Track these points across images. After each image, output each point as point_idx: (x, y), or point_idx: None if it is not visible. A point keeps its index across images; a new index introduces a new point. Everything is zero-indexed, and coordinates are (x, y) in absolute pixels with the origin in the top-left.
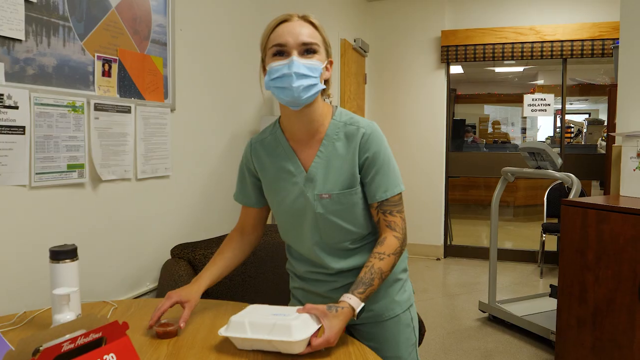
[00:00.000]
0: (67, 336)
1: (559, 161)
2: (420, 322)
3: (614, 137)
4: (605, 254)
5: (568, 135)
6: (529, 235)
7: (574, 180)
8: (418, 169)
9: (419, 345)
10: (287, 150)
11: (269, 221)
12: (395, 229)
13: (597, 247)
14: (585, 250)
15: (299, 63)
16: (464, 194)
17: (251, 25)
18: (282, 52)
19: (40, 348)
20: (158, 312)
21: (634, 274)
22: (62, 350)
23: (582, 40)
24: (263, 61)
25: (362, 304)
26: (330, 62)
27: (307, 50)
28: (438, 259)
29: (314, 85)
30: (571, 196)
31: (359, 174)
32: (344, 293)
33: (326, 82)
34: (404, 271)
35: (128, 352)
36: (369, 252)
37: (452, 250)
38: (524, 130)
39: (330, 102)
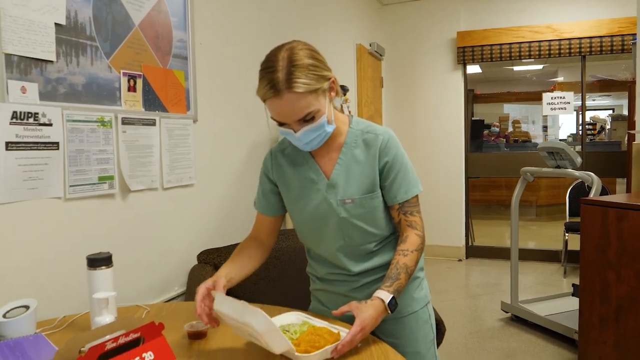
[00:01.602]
0: (109, 336)
1: (578, 160)
2: (440, 321)
3: (634, 134)
4: (626, 252)
5: (593, 132)
6: (552, 235)
7: (593, 179)
8: (438, 171)
9: (438, 345)
10: (308, 158)
11: (289, 225)
12: (417, 228)
13: (618, 245)
14: (606, 248)
15: (305, 132)
16: (485, 195)
17: (268, 35)
18: (284, 123)
19: (85, 347)
20: (202, 305)
21: None
22: (106, 349)
23: (601, 37)
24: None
25: (391, 295)
26: (332, 82)
27: (306, 120)
28: (460, 260)
29: (325, 135)
30: (591, 195)
31: (379, 178)
32: (366, 291)
33: (335, 92)
34: (421, 270)
35: (164, 351)
36: (389, 252)
37: (473, 251)
38: (545, 128)
39: (349, 107)
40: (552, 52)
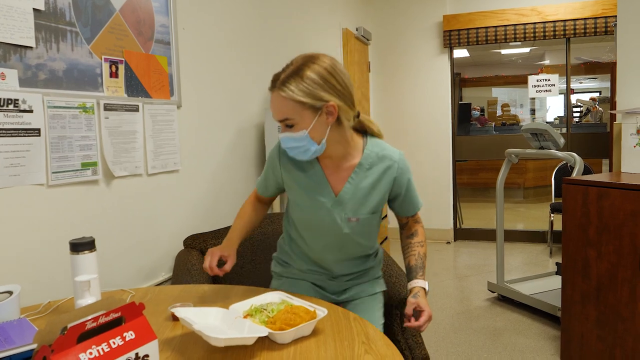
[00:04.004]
0: (90, 316)
1: (561, 141)
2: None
3: (615, 114)
4: (606, 230)
5: (580, 114)
6: (538, 216)
7: (576, 159)
8: (425, 154)
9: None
10: (319, 172)
11: (276, 209)
12: (420, 222)
13: (598, 224)
14: (587, 226)
15: (286, 137)
16: (474, 178)
17: (252, 20)
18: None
19: (67, 327)
20: (211, 267)
21: (634, 248)
22: (86, 329)
23: (585, 19)
24: None
25: (427, 282)
26: (331, 106)
27: (286, 124)
28: (448, 243)
29: (306, 150)
30: (574, 174)
31: (391, 197)
32: (336, 284)
33: (339, 119)
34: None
35: (145, 330)
36: (370, 260)
37: (462, 234)
38: (533, 111)
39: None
40: (537, 34)
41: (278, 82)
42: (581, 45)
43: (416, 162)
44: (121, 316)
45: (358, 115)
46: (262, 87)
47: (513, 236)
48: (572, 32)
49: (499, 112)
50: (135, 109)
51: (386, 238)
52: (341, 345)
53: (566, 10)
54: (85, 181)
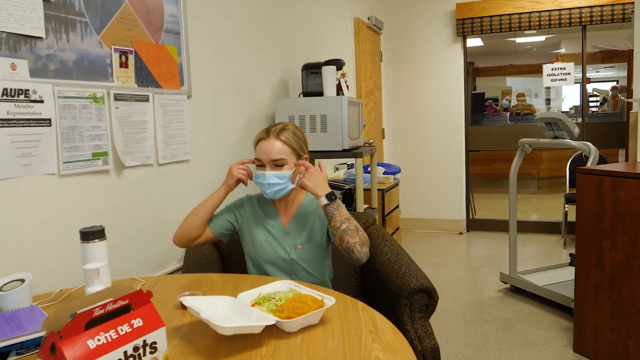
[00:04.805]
0: (98, 303)
1: (576, 130)
2: (432, 289)
3: (631, 103)
4: (621, 220)
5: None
6: (553, 207)
7: (591, 149)
8: (438, 145)
9: (431, 313)
10: (274, 214)
11: None
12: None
13: (613, 214)
14: (601, 217)
15: (270, 175)
16: (487, 168)
17: (262, 9)
18: (261, 164)
19: (75, 314)
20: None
21: None
22: (94, 316)
23: (602, 6)
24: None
25: (327, 201)
26: (306, 158)
27: (277, 164)
28: (460, 233)
29: (282, 188)
30: (589, 164)
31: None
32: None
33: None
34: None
35: (153, 317)
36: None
37: (474, 224)
38: (548, 101)
39: (346, 81)
40: (552, 22)
41: (275, 132)
42: (598, 33)
43: (428, 152)
44: (129, 304)
45: None
46: (272, 77)
47: (527, 227)
48: (589, 19)
49: (514, 102)
50: (145, 99)
51: (398, 228)
52: (349, 334)
53: None
54: (96, 171)
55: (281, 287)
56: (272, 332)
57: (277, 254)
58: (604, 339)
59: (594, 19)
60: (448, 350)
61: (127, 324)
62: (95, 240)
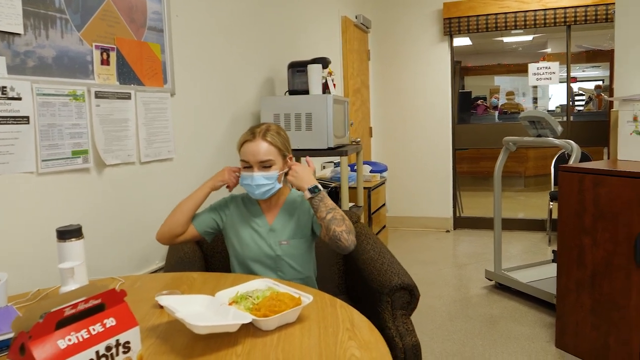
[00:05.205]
0: (69, 303)
1: (559, 128)
2: (414, 287)
3: (612, 102)
4: (602, 218)
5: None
6: (539, 205)
7: (573, 147)
8: (425, 143)
9: (412, 310)
10: (259, 213)
11: None
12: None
13: (594, 211)
14: (582, 214)
15: (259, 176)
16: (475, 166)
17: (248, 6)
18: (248, 165)
19: (45, 314)
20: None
21: (630, 236)
22: (65, 315)
23: (586, 6)
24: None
25: (310, 194)
26: (290, 158)
27: (265, 165)
28: (447, 231)
29: (271, 188)
30: (571, 162)
31: (312, 223)
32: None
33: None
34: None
35: (126, 316)
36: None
37: (461, 222)
38: (535, 100)
39: (333, 80)
40: (537, 22)
41: (260, 134)
42: (583, 33)
43: (415, 150)
44: (102, 303)
45: None
46: (258, 75)
47: (513, 224)
48: (573, 19)
49: (502, 101)
50: (127, 96)
51: (384, 226)
52: (325, 332)
53: None
54: (76, 169)
55: (259, 285)
56: (249, 330)
57: (262, 251)
58: (584, 335)
59: (578, 19)
60: (433, 347)
61: (99, 324)
62: (72, 239)
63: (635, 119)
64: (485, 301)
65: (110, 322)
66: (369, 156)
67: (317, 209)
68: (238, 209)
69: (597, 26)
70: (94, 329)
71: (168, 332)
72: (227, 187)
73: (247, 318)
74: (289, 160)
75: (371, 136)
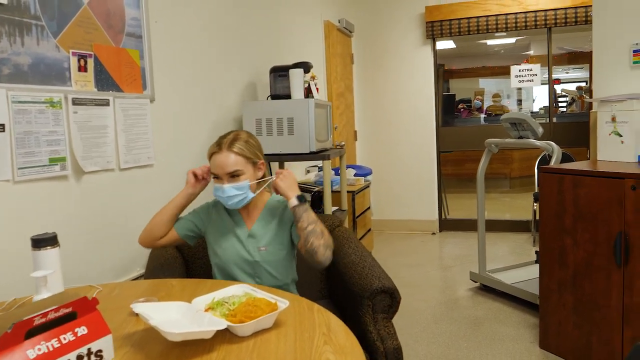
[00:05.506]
0: (39, 312)
1: (540, 130)
2: (394, 290)
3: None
4: (582, 218)
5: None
6: (524, 206)
7: (554, 148)
8: (410, 146)
9: (393, 314)
10: (239, 219)
11: None
12: None
13: (574, 212)
14: (563, 215)
15: (229, 187)
16: (460, 168)
17: (230, 11)
18: (217, 176)
19: (13, 324)
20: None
21: (609, 236)
22: (34, 325)
23: (565, 9)
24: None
25: (298, 202)
26: (262, 163)
27: (233, 175)
28: (433, 234)
29: (243, 198)
30: (552, 163)
31: (291, 231)
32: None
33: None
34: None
35: (98, 325)
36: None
37: (447, 224)
38: (519, 102)
39: (316, 84)
40: (518, 24)
41: (227, 144)
42: (564, 35)
43: (400, 153)
44: (73, 311)
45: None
46: (240, 80)
47: (498, 226)
48: (553, 21)
49: (487, 103)
50: (105, 103)
51: (369, 230)
52: (301, 337)
53: (547, 0)
54: (54, 177)
55: (236, 291)
56: (225, 337)
57: (241, 256)
58: (567, 335)
59: (558, 21)
60: (417, 350)
61: (70, 332)
62: (47, 247)
63: (613, 120)
64: (470, 303)
65: (81, 330)
66: (354, 160)
67: (300, 218)
68: (219, 214)
69: (577, 28)
70: (64, 338)
71: (143, 340)
72: (200, 181)
73: (222, 324)
74: (261, 166)
75: (356, 140)
